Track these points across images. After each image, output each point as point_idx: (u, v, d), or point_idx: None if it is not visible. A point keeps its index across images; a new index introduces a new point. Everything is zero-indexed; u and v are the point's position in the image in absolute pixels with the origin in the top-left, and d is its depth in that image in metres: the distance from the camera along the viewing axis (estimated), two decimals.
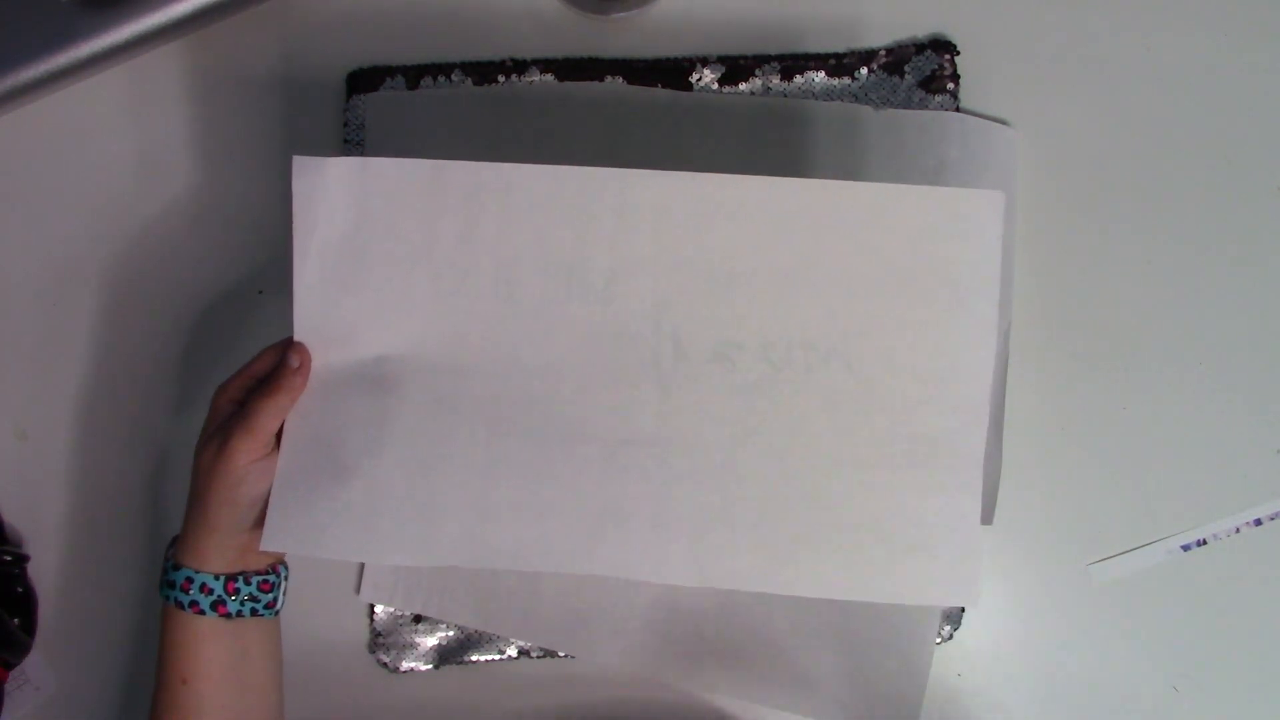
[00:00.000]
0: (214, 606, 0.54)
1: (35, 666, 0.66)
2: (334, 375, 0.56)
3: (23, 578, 0.65)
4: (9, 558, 0.64)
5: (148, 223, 0.68)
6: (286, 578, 0.58)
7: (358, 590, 0.66)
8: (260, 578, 0.55)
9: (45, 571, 0.66)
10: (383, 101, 0.68)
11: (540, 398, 0.55)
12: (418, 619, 0.67)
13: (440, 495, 0.55)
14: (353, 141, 0.67)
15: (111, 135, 0.68)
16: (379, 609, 0.67)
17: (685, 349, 0.55)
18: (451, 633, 0.67)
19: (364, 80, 0.68)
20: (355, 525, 0.54)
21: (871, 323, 0.54)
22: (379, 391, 0.55)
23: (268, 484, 0.54)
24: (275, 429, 0.54)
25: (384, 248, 0.55)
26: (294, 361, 0.55)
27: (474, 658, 0.67)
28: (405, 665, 0.67)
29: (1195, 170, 0.68)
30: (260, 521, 0.54)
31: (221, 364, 0.67)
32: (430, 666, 0.67)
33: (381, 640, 0.67)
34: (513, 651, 0.67)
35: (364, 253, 0.55)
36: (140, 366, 0.67)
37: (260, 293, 0.68)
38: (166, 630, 0.55)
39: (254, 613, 0.55)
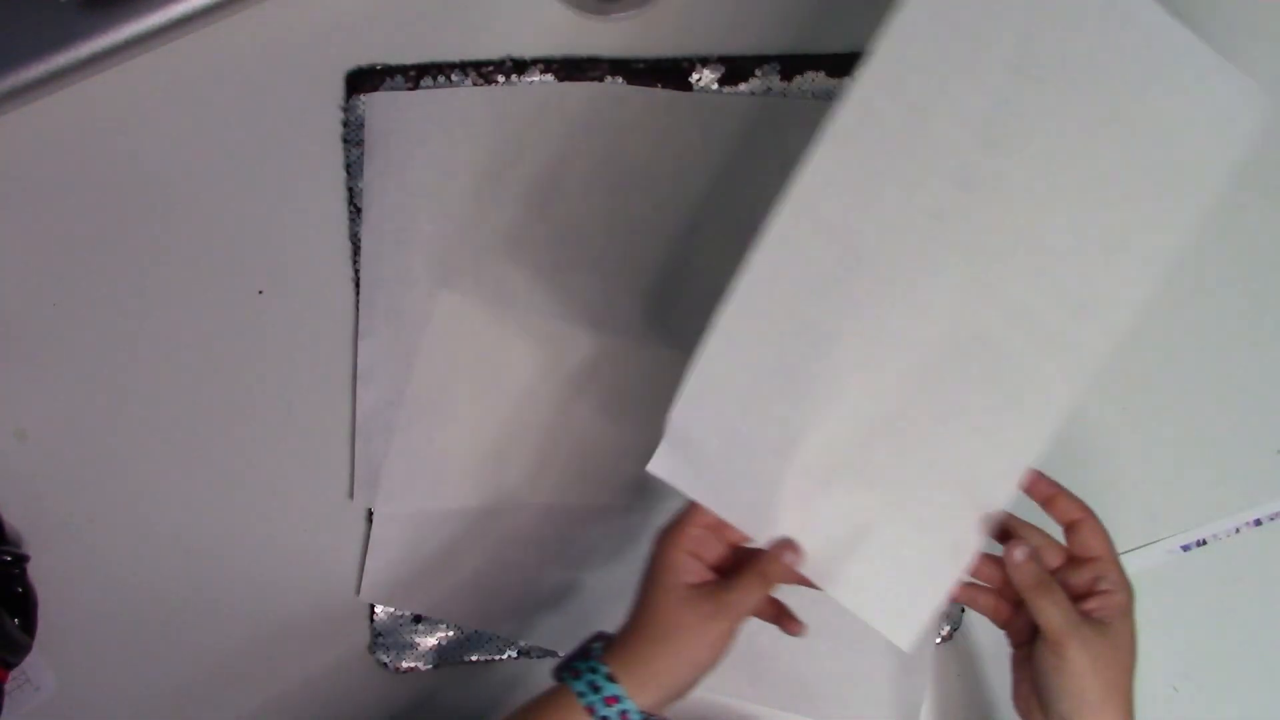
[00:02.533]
0: None
1: (35, 666, 0.66)
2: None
3: (23, 578, 0.65)
4: (9, 558, 0.64)
5: (146, 223, 0.68)
6: None
7: (358, 590, 0.66)
8: None
9: (45, 571, 0.66)
10: (383, 101, 0.67)
11: None
12: (418, 619, 0.67)
13: None
14: (352, 141, 0.67)
15: (110, 136, 0.68)
16: (379, 609, 0.67)
17: None
18: (451, 633, 0.67)
19: (364, 80, 0.68)
20: None
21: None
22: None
23: (727, 649, 0.54)
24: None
25: None
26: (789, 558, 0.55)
27: (474, 658, 0.67)
28: (405, 665, 0.67)
29: None
30: (699, 676, 0.54)
31: (220, 364, 0.67)
32: (430, 666, 0.67)
33: (381, 640, 0.67)
34: (513, 651, 0.67)
35: None
36: (140, 366, 0.67)
37: (260, 293, 0.68)
38: (558, 712, 0.53)
39: None
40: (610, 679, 0.53)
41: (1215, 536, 0.67)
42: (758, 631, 0.65)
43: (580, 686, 0.53)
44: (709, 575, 0.56)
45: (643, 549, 0.68)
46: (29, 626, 0.65)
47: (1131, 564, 0.59)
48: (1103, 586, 0.54)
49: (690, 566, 0.55)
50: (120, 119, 0.68)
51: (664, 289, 0.66)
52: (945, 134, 0.52)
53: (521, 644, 0.67)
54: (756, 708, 0.66)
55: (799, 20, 0.69)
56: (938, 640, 0.66)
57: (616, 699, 0.52)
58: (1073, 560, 0.56)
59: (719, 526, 0.55)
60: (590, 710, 0.52)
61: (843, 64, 0.68)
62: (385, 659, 0.67)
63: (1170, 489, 0.67)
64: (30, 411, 0.67)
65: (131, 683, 0.66)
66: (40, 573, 0.66)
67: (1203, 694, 0.66)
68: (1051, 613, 0.53)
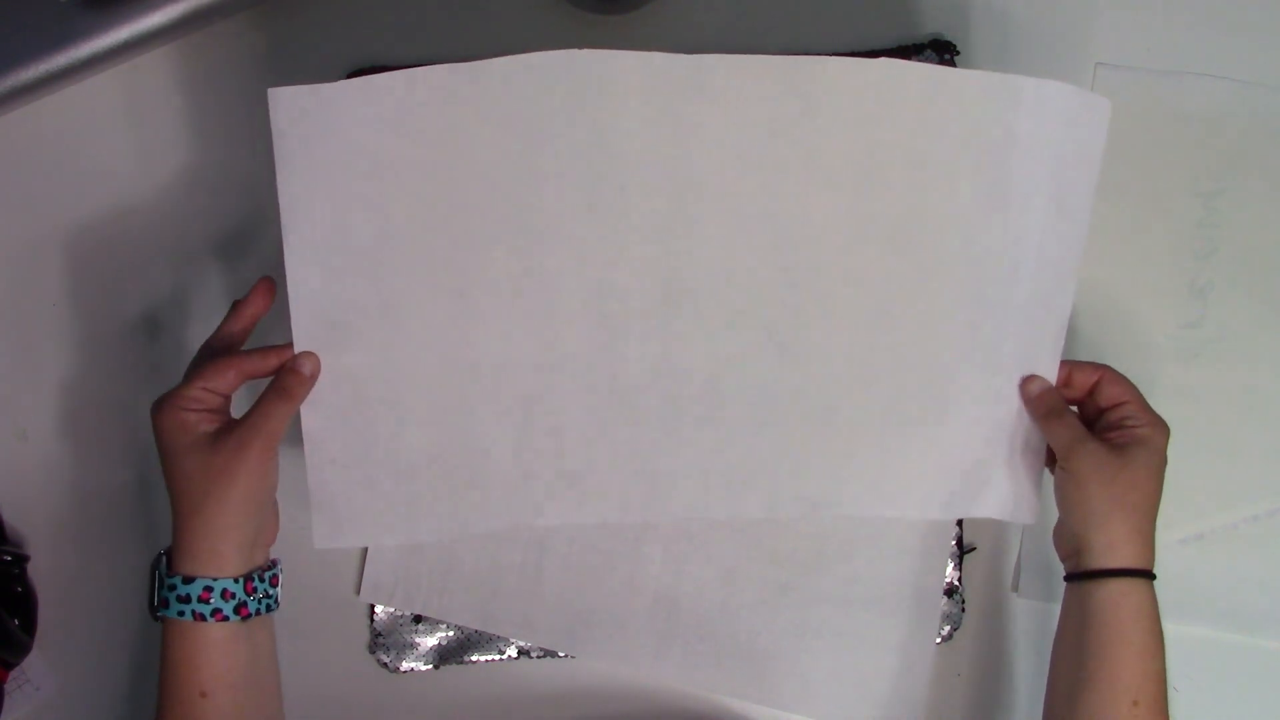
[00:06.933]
0: (237, 610, 0.52)
1: (35, 666, 0.66)
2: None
3: (23, 578, 0.65)
4: (9, 558, 0.64)
5: (149, 224, 0.68)
6: (281, 569, 0.58)
7: (358, 590, 0.66)
8: (270, 572, 0.55)
9: (45, 571, 0.66)
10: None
11: None
12: (418, 619, 0.67)
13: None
14: None
15: (110, 136, 0.68)
16: (379, 609, 0.67)
17: None
18: (451, 633, 0.67)
19: None
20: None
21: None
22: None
23: (276, 474, 0.54)
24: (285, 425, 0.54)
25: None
26: (306, 369, 0.55)
27: (474, 658, 0.67)
28: (405, 665, 0.67)
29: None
30: (266, 514, 0.55)
31: None
32: (430, 666, 0.67)
33: (381, 640, 0.67)
34: (513, 651, 0.67)
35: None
36: (141, 366, 0.67)
37: None
38: (177, 645, 0.52)
39: (268, 609, 0.54)
40: (189, 580, 0.51)
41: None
42: (758, 631, 0.66)
43: (173, 612, 0.51)
44: (225, 419, 0.54)
45: (643, 549, 0.68)
46: (29, 626, 0.65)
47: None
48: (1128, 423, 0.56)
49: (199, 419, 0.53)
50: (120, 119, 0.68)
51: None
52: None
53: (521, 644, 0.67)
54: (756, 708, 0.66)
55: (799, 20, 0.69)
56: (938, 640, 0.66)
57: (209, 591, 0.51)
58: (1102, 411, 0.57)
59: (233, 370, 0.54)
60: (199, 618, 0.51)
61: None
62: (385, 659, 0.67)
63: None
64: (30, 411, 0.67)
65: (131, 683, 0.66)
66: (40, 573, 0.66)
67: (1203, 694, 0.66)
68: (1059, 432, 0.56)
